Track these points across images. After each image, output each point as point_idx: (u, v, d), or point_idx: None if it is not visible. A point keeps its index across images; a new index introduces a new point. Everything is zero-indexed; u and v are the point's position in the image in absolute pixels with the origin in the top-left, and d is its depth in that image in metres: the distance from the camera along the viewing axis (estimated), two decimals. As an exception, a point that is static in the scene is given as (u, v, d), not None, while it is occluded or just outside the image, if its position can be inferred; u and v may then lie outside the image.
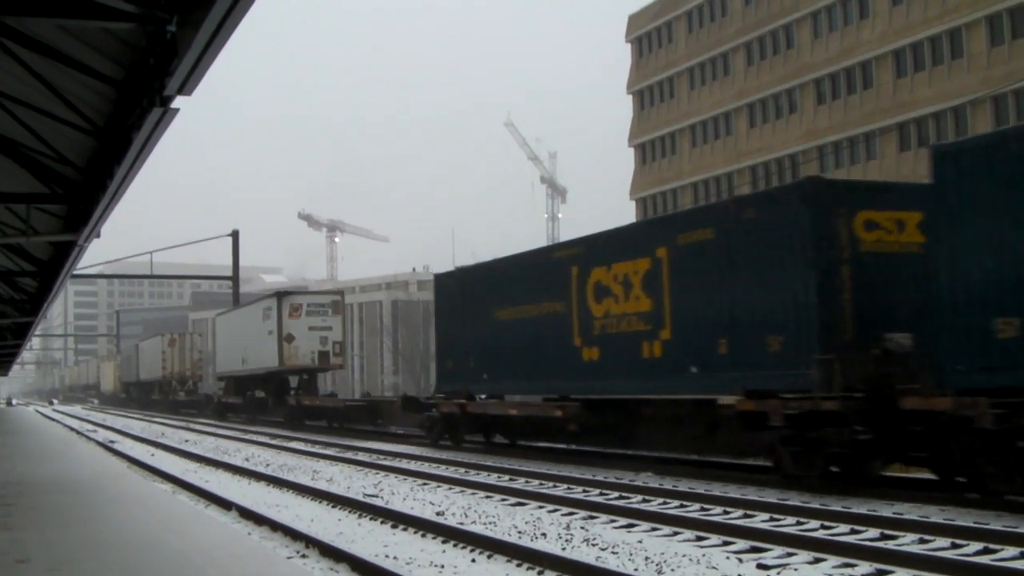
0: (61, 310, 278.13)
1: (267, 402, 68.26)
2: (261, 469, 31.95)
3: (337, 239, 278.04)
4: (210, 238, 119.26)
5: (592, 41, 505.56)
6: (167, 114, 11.46)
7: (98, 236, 20.13)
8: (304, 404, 61.85)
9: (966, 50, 73.40)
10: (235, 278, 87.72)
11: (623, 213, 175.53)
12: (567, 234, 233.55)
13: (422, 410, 44.17)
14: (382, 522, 20.04)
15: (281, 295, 62.96)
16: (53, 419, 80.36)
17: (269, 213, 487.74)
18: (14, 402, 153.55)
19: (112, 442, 46.48)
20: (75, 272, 27.38)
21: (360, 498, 23.22)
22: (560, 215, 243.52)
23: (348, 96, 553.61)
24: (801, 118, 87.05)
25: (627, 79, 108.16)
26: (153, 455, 39.36)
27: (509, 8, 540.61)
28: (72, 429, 61.10)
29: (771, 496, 22.20)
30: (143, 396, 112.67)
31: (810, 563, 15.06)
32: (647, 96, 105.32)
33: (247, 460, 36.18)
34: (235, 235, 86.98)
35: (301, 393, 63.87)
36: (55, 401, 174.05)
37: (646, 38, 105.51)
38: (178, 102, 11.20)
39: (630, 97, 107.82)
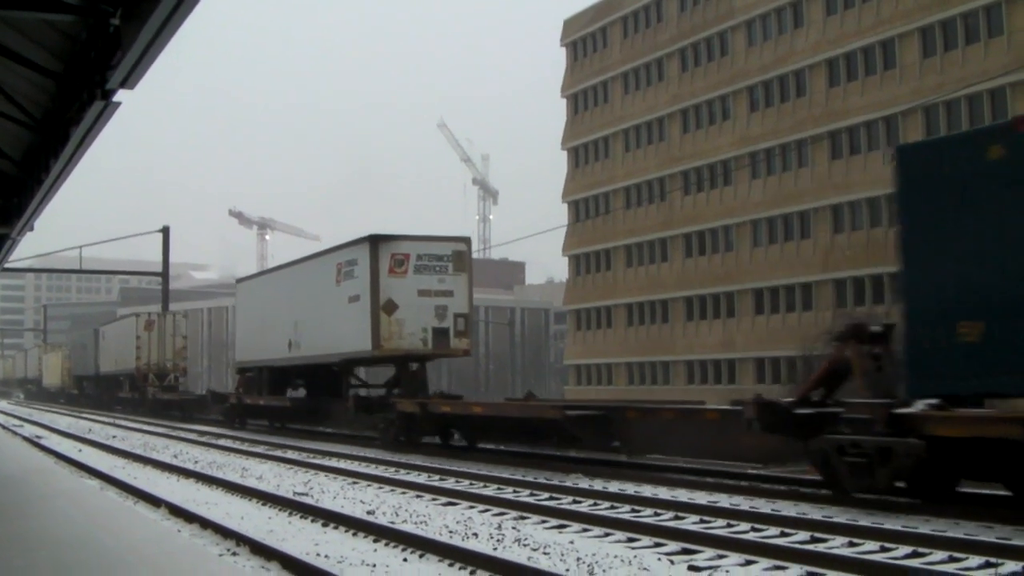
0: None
1: (327, 404, 48.35)
2: (190, 466, 31.76)
3: (268, 237, 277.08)
4: (141, 234, 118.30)
5: (528, 44, 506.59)
6: (108, 108, 11.39)
7: (31, 230, 20.00)
8: (441, 412, 37.25)
9: (898, 61, 74.13)
10: (165, 274, 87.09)
11: (554, 216, 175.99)
12: (498, 236, 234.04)
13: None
14: (312, 520, 19.96)
15: (377, 239, 40.26)
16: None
17: (199, 210, 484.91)
18: None
19: (39, 438, 46.07)
20: (4, 266, 27.11)
21: (290, 496, 23.14)
22: (492, 217, 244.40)
23: (280, 93, 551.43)
24: (734, 124, 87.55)
25: (561, 83, 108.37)
26: (80, 451, 39.05)
27: (444, 9, 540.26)
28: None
29: (701, 499, 22.29)
30: (105, 393, 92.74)
31: (741, 565, 15.12)
32: (581, 100, 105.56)
33: (175, 457, 35.96)
34: (166, 231, 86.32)
35: (399, 394, 41.84)
36: None
37: (581, 42, 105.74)
38: (120, 95, 11.15)
39: (564, 101, 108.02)
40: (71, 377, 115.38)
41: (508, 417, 35.09)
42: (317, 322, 45.84)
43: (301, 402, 51.16)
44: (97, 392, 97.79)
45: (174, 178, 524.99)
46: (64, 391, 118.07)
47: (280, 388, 52.92)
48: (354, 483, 27.17)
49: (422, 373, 43.29)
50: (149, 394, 78.03)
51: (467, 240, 43.44)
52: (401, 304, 40.22)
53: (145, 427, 58.40)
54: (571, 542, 17.04)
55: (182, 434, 50.63)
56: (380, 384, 45.29)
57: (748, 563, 15.21)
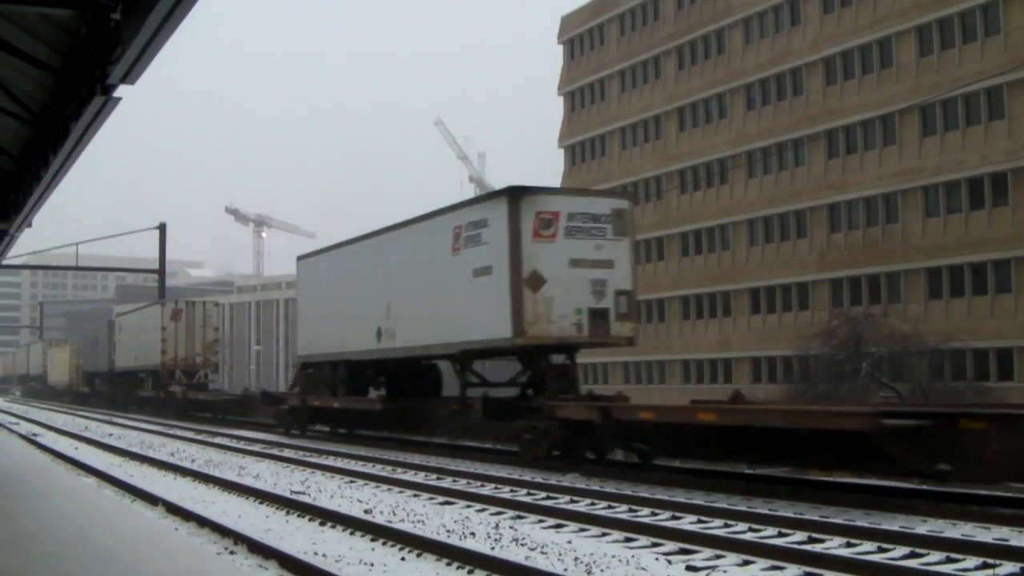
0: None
1: (428, 408, 40.62)
2: (187, 464, 31.72)
3: (264, 234, 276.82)
4: (137, 231, 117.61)
5: (525, 42, 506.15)
6: (109, 103, 11.36)
7: (30, 226, 19.98)
8: (639, 419, 27.36)
9: (895, 59, 74.11)
10: (161, 271, 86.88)
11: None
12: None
13: None
14: (310, 519, 19.95)
15: (519, 192, 31.69)
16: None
17: (195, 207, 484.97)
18: None
19: (35, 435, 46.03)
20: (2, 263, 27.09)
21: (288, 495, 23.13)
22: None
23: (277, 91, 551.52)
24: (730, 123, 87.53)
25: (558, 80, 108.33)
26: (77, 449, 39.01)
27: (441, 6, 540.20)
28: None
29: (699, 499, 22.28)
30: (121, 392, 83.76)
31: (739, 565, 15.11)
32: (578, 98, 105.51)
33: (172, 455, 35.93)
34: (162, 228, 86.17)
35: (547, 395, 32.27)
36: None
37: (578, 40, 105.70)
38: (121, 91, 11.10)
39: (561, 98, 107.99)
40: (80, 374, 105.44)
41: (760, 428, 24.39)
42: (422, 304, 36.96)
43: (396, 405, 41.31)
44: (112, 390, 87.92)
45: (170, 175, 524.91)
46: (72, 389, 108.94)
47: (360, 387, 43.66)
48: (351, 482, 27.16)
49: (573, 368, 34.48)
50: (178, 393, 68.59)
51: (629, 196, 36.95)
52: (549, 278, 31.49)
53: (177, 431, 53.43)
54: (569, 541, 17.04)
55: (223, 442, 50.46)
56: (502, 382, 37.20)
57: (746, 563, 15.21)
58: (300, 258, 50.63)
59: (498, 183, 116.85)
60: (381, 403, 41.88)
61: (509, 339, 31.48)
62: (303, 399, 47.19)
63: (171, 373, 70.27)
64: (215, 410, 64.83)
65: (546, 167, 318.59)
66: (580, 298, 31.65)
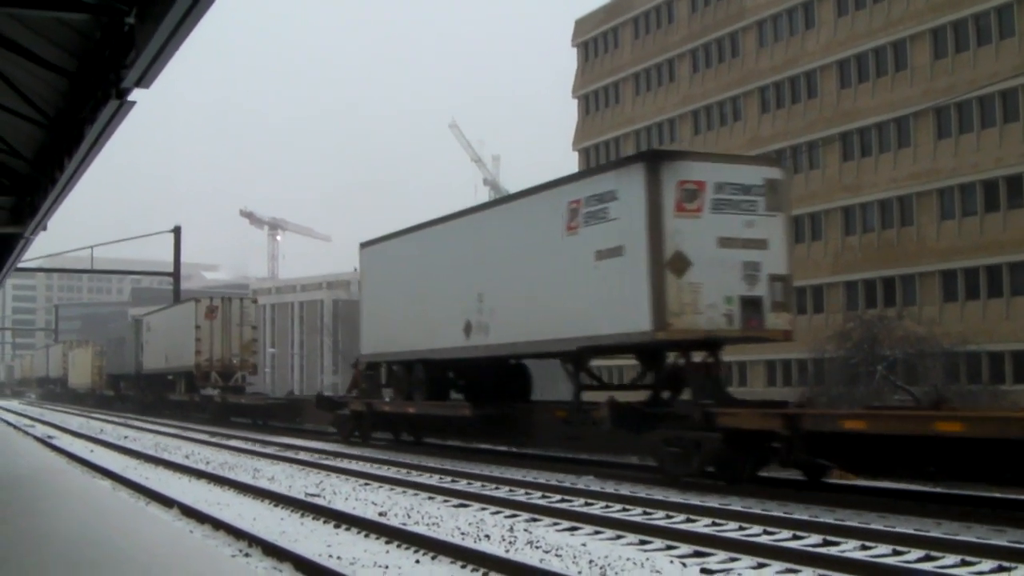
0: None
1: (526, 414, 36.25)
2: (202, 467, 31.76)
3: (279, 237, 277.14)
4: (152, 234, 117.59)
5: (539, 45, 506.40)
6: (123, 107, 11.39)
7: (44, 229, 20.00)
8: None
9: (910, 62, 74.03)
10: (176, 274, 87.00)
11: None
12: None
13: None
14: (325, 522, 19.96)
15: (660, 157, 27.58)
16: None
17: (210, 209, 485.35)
18: None
19: (51, 438, 46.10)
20: (17, 266, 27.16)
21: (302, 498, 23.14)
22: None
23: (291, 94, 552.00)
24: (745, 126, 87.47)
25: (573, 83, 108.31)
26: (92, 451, 39.07)
27: (455, 10, 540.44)
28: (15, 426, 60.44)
29: (713, 501, 22.25)
30: (149, 395, 78.53)
31: (753, 568, 15.10)
32: (592, 101, 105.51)
33: (187, 457, 35.96)
34: (177, 231, 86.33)
35: (694, 400, 27.83)
36: None
37: (592, 43, 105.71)
38: (135, 95, 11.13)
39: (575, 101, 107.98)
40: (103, 376, 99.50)
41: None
42: (525, 294, 32.06)
43: (491, 410, 35.73)
44: (139, 394, 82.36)
45: (185, 178, 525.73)
46: (95, 392, 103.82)
47: (439, 390, 38.55)
48: (366, 484, 27.16)
49: (717, 368, 28.88)
50: (215, 397, 63.56)
51: (783, 166, 31.07)
52: (695, 260, 26.56)
53: (196, 435, 51.97)
54: (583, 544, 17.03)
55: (193, 435, 50.48)
56: (622, 384, 33.63)
57: (760, 566, 15.20)
58: (364, 245, 44.61)
59: (513, 187, 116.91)
60: (472, 408, 35.57)
61: (648, 333, 26.53)
62: (369, 403, 42.27)
63: (206, 375, 65.60)
64: (258, 415, 60.01)
65: (561, 170, 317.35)
66: (730, 284, 27.04)
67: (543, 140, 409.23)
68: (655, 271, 26.22)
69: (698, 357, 28.58)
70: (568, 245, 29.42)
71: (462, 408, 36.31)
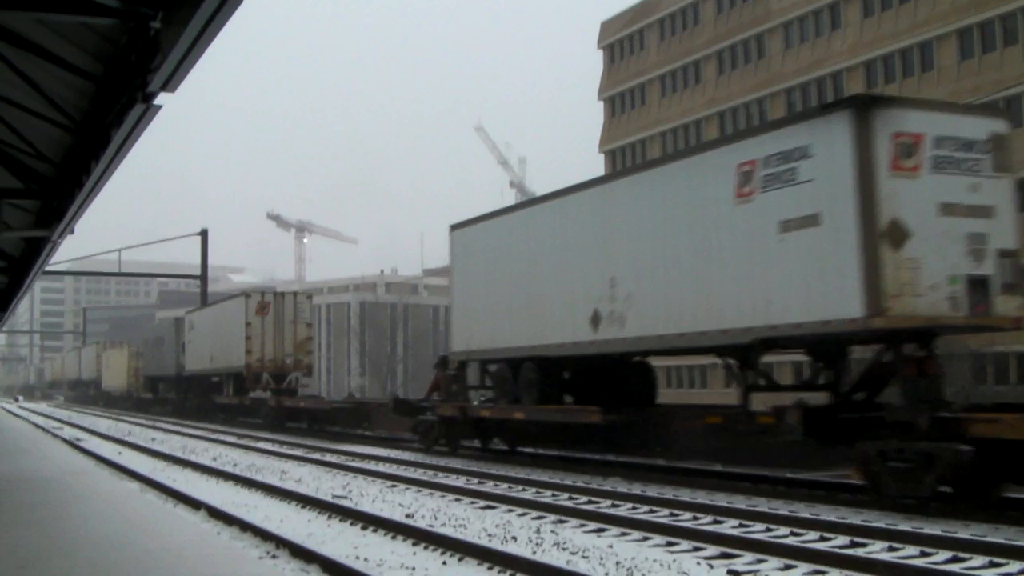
0: (28, 306, 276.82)
1: (663, 420, 31.48)
2: (229, 469, 31.83)
3: (306, 240, 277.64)
4: (179, 237, 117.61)
5: (564, 47, 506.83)
6: (149, 110, 11.43)
7: (72, 233, 20.06)
8: None
9: (936, 63, 73.76)
10: (203, 277, 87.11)
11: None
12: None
13: None
14: (352, 523, 20.00)
15: (869, 104, 22.18)
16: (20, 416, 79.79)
17: (237, 213, 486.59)
18: None
19: (79, 440, 46.24)
20: (45, 269, 27.27)
21: (329, 499, 23.18)
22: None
23: (318, 98, 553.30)
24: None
25: (599, 85, 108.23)
26: (120, 453, 39.19)
27: (481, 12, 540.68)
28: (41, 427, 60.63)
29: (740, 503, 22.24)
30: (194, 398, 74.21)
31: (780, 569, 15.08)
32: (618, 103, 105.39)
33: (215, 460, 36.05)
34: (204, 234, 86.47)
35: (909, 404, 22.80)
36: (20, 398, 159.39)
37: (618, 45, 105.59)
38: (161, 99, 11.17)
39: (601, 103, 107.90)
40: (140, 378, 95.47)
41: None
42: (676, 276, 27.12)
43: (626, 415, 30.97)
44: (180, 396, 78.45)
45: (211, 181, 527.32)
46: (131, 395, 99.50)
47: (552, 393, 33.41)
48: (393, 486, 27.19)
49: (933, 364, 23.87)
50: (270, 400, 58.52)
51: (1007, 115, 25.55)
52: (914, 230, 22.05)
53: (222, 437, 52.26)
54: (610, 546, 17.04)
55: (222, 437, 50.54)
56: (796, 385, 28.95)
57: (787, 567, 15.19)
58: (455, 227, 39.57)
59: (539, 189, 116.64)
60: (602, 414, 30.14)
61: (858, 320, 21.92)
62: (463, 408, 37.39)
63: (257, 376, 60.53)
64: (318, 420, 55.00)
65: (587, 173, 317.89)
66: (954, 260, 22.47)
67: (569, 143, 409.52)
68: (867, 243, 21.79)
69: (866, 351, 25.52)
70: (739, 216, 24.81)
71: (588, 414, 30.73)
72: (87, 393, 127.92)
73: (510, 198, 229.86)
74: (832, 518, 19.35)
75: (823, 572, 14.80)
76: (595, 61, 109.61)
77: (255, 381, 60.68)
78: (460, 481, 28.02)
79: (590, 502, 23.07)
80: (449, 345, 40.98)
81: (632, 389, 33.05)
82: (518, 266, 34.55)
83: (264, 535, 17.87)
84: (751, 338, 24.57)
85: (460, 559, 15.85)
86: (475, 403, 38.30)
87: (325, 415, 54.55)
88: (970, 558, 15.62)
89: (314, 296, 66.68)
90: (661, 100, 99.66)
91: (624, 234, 29.27)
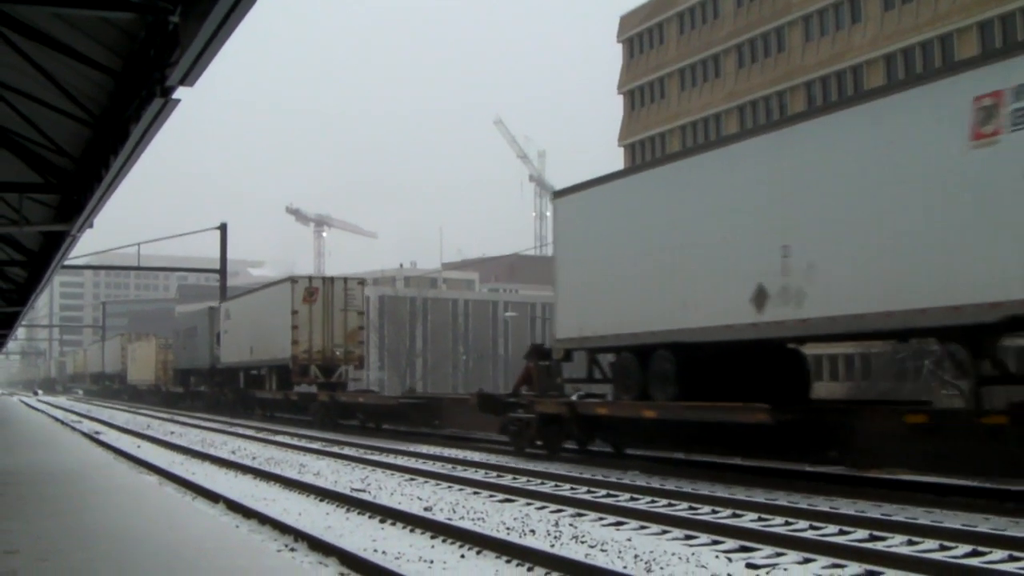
0: (47, 300, 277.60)
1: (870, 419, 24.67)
2: (248, 462, 31.87)
3: (325, 234, 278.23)
4: (198, 231, 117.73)
5: (584, 41, 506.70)
6: (168, 105, 11.44)
7: (91, 227, 20.11)
8: None
9: (957, 55, 73.44)
10: (223, 271, 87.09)
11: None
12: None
13: None
14: (370, 517, 20.00)
15: None
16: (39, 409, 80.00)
17: (255, 207, 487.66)
18: None
19: (98, 433, 46.37)
20: (64, 263, 27.33)
21: (348, 493, 23.20)
22: (548, 214, 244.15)
23: (337, 92, 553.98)
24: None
25: (618, 79, 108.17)
26: (139, 447, 39.28)
27: (500, 7, 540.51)
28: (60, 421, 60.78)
29: (759, 496, 22.21)
30: (229, 392, 70.04)
31: (799, 563, 15.05)
32: (638, 96, 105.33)
33: (233, 453, 36.11)
34: (223, 228, 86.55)
35: None
36: (39, 392, 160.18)
37: (637, 39, 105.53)
38: (179, 93, 11.19)
39: (621, 97, 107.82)
40: (169, 372, 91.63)
41: None
42: (879, 241, 22.29)
43: (795, 414, 25.23)
44: (214, 391, 73.52)
45: (230, 175, 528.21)
46: (160, 389, 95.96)
47: (697, 387, 27.24)
48: (411, 480, 27.20)
49: None
50: (322, 396, 53.59)
51: None
52: None
53: (240, 430, 51.56)
54: (628, 539, 17.02)
55: (239, 430, 50.58)
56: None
57: (807, 561, 15.15)
58: (560, 194, 34.99)
59: (558, 183, 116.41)
60: (771, 412, 24.31)
61: None
62: (571, 405, 32.12)
63: (304, 369, 55.65)
64: (381, 418, 49.78)
65: (606, 166, 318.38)
66: None
67: (588, 137, 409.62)
68: None
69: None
70: (975, 161, 20.16)
71: (751, 411, 24.92)
72: (111, 387, 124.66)
73: (529, 192, 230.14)
74: (851, 511, 19.31)
75: (842, 565, 14.76)
76: (615, 55, 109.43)
77: (301, 374, 55.80)
78: (478, 475, 27.99)
79: (609, 495, 23.04)
80: (552, 332, 36.32)
81: (781, 382, 27.75)
82: (651, 236, 28.98)
83: (283, 528, 17.89)
84: (999, 316, 19.65)
85: (478, 552, 15.85)
86: (573, 397, 33.19)
87: (390, 412, 48.92)
88: (990, 552, 15.57)
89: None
90: (681, 94, 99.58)
91: (805, 192, 24.12)
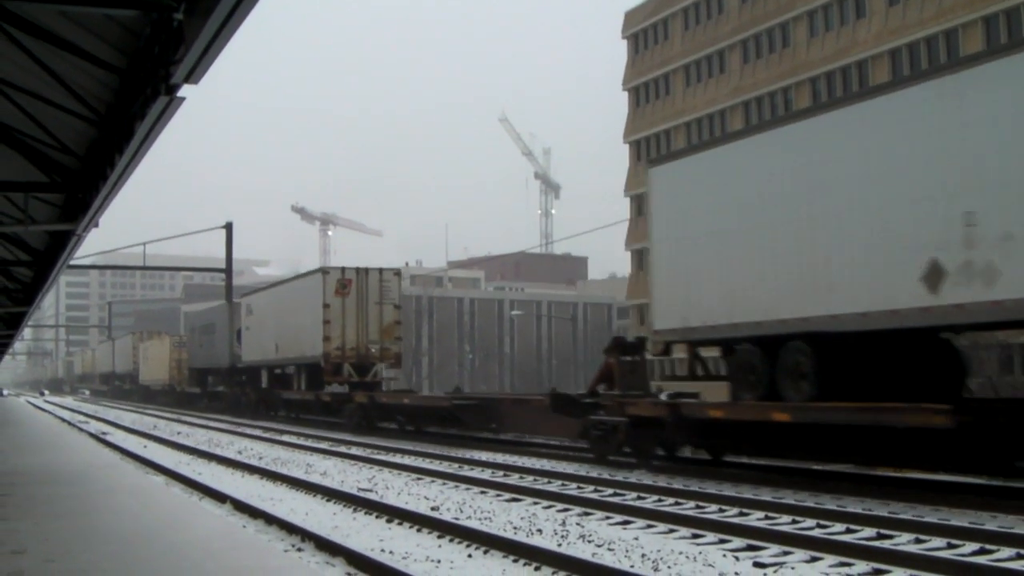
0: (53, 300, 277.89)
1: None
2: (255, 462, 31.86)
3: (330, 232, 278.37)
4: (204, 230, 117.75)
5: (588, 37, 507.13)
6: (173, 102, 11.41)
7: (96, 226, 20.06)
8: None
9: (962, 50, 73.28)
10: (228, 270, 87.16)
11: (617, 210, 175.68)
12: (560, 231, 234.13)
13: None
14: (377, 516, 19.98)
15: None
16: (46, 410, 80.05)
17: (261, 206, 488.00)
18: (5, 392, 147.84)
19: (105, 434, 46.38)
20: (70, 263, 27.30)
21: (355, 492, 23.18)
22: (553, 211, 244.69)
23: (342, 90, 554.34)
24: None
25: (623, 75, 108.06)
26: (146, 447, 39.29)
27: (505, 4, 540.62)
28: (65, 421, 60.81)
29: (766, 494, 22.18)
30: (251, 392, 66.47)
31: (807, 562, 15.01)
32: (643, 93, 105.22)
33: (240, 453, 36.12)
34: (229, 227, 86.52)
35: None
36: (45, 392, 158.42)
37: (642, 35, 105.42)
38: (184, 91, 11.16)
39: (626, 94, 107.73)
40: (184, 371, 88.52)
41: None
42: None
43: (982, 417, 21.76)
44: (234, 391, 69.87)
45: (235, 175, 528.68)
46: (174, 389, 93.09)
47: (838, 384, 23.02)
48: (418, 479, 27.18)
49: None
50: (359, 396, 49.21)
51: None
52: None
53: (275, 435, 50.20)
54: (636, 538, 16.99)
55: (247, 430, 50.48)
56: None
57: (814, 559, 15.11)
58: (654, 162, 31.58)
59: (564, 180, 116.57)
60: (952, 414, 20.32)
61: None
62: (674, 407, 27.70)
63: (336, 367, 51.91)
64: (426, 420, 45.67)
65: (611, 163, 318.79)
66: None
67: (593, 134, 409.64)
68: None
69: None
70: None
71: (925, 413, 20.67)
72: (122, 387, 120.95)
73: (535, 189, 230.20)
74: (858, 510, 19.28)
75: (849, 564, 14.72)
76: (619, 51, 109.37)
77: (334, 373, 51.90)
78: (485, 474, 27.97)
79: (616, 495, 23.02)
80: (650, 321, 31.23)
81: (931, 378, 23.93)
82: (779, 207, 25.11)
83: (290, 528, 17.87)
84: None
85: (486, 552, 15.82)
86: (661, 396, 29.53)
87: (438, 414, 43.97)
88: (997, 550, 15.53)
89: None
90: (686, 90, 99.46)
91: (997, 145, 20.20)
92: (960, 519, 18.23)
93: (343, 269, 52.97)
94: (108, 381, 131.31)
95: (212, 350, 74.81)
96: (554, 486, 24.76)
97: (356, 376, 51.53)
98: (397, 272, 54.48)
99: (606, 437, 30.13)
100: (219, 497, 22.80)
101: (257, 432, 48.32)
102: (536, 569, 14.52)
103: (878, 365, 23.98)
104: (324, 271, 53.32)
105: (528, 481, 25.89)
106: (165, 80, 10.98)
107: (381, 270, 53.33)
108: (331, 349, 51.25)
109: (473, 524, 18.03)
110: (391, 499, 22.16)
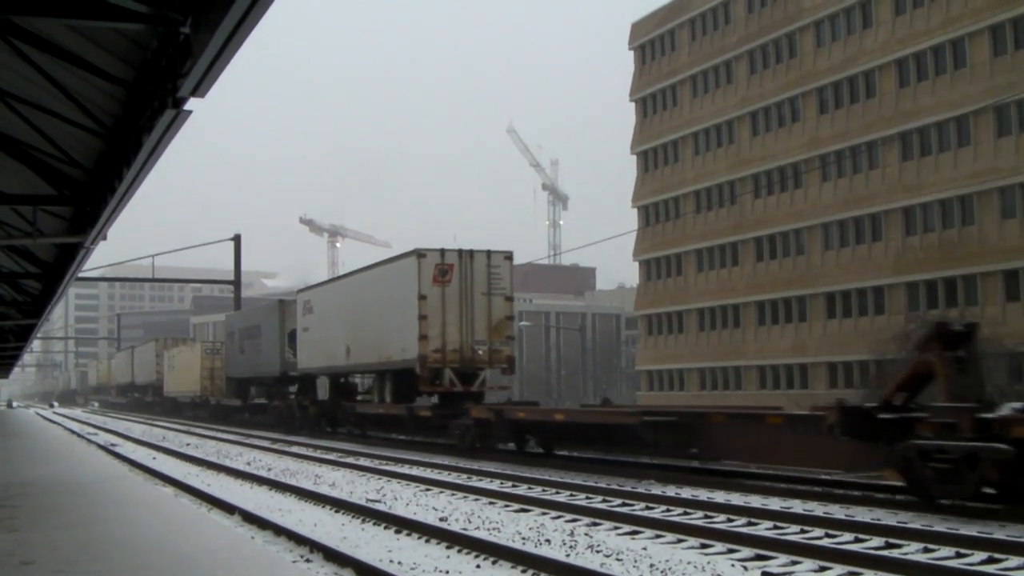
0: (62, 312, 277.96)
1: None
2: (263, 474, 31.87)
3: (339, 244, 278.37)
4: (212, 242, 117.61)
5: (595, 48, 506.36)
6: (180, 116, 11.43)
7: (104, 239, 20.10)
8: None
9: (969, 59, 73.38)
10: (237, 282, 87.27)
11: (625, 220, 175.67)
12: (568, 242, 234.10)
13: None
14: (386, 527, 19.98)
15: None
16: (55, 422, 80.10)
17: (269, 218, 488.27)
18: (14, 404, 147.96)
19: (114, 445, 46.40)
20: (78, 275, 27.35)
21: (363, 503, 23.18)
22: (561, 222, 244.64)
23: (349, 102, 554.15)
24: (803, 127, 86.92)
25: (630, 86, 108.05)
26: (155, 459, 39.30)
27: (512, 14, 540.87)
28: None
29: (775, 504, 22.17)
30: (311, 405, 56.57)
31: (815, 571, 15.01)
32: (650, 103, 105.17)
33: (249, 464, 36.12)
34: (237, 239, 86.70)
35: None
36: (55, 404, 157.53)
37: (649, 45, 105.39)
38: (191, 104, 11.19)
39: (633, 104, 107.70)
40: (218, 381, 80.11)
41: None
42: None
43: None
44: (287, 403, 60.62)
45: (243, 187, 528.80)
46: (208, 401, 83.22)
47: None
48: (427, 490, 27.18)
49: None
50: (478, 411, 38.67)
51: None
52: None
53: (284, 447, 50.21)
54: (644, 548, 16.98)
55: (255, 441, 50.38)
56: None
57: (822, 569, 15.12)
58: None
59: (571, 191, 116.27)
60: None
61: None
62: None
63: (436, 373, 41.68)
64: (582, 442, 36.22)
65: (619, 174, 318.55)
66: None
67: (600, 145, 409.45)
68: None
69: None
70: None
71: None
72: (143, 399, 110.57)
73: (542, 200, 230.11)
74: (867, 519, 19.28)
75: (858, 573, 14.72)
76: (627, 62, 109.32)
77: (431, 381, 41.88)
78: (494, 484, 27.95)
79: (624, 504, 23.02)
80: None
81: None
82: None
83: (298, 539, 17.88)
84: None
85: (494, 562, 15.82)
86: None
87: (611, 433, 32.63)
88: (1006, 559, 15.53)
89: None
90: (693, 100, 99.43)
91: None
92: (969, 528, 18.22)
93: (443, 251, 42.45)
94: (127, 392, 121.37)
95: (257, 356, 65.00)
96: (563, 496, 24.73)
97: (459, 385, 41.71)
98: (509, 255, 43.36)
99: (954, 474, 20.78)
100: (228, 508, 22.80)
101: (266, 444, 48.24)
102: (544, 579, 14.54)
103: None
104: (420, 253, 42.17)
105: (536, 491, 25.91)
106: (172, 93, 11.01)
107: (489, 252, 42.90)
108: (429, 351, 41.31)
109: (481, 535, 18.04)
110: (400, 510, 22.15)
